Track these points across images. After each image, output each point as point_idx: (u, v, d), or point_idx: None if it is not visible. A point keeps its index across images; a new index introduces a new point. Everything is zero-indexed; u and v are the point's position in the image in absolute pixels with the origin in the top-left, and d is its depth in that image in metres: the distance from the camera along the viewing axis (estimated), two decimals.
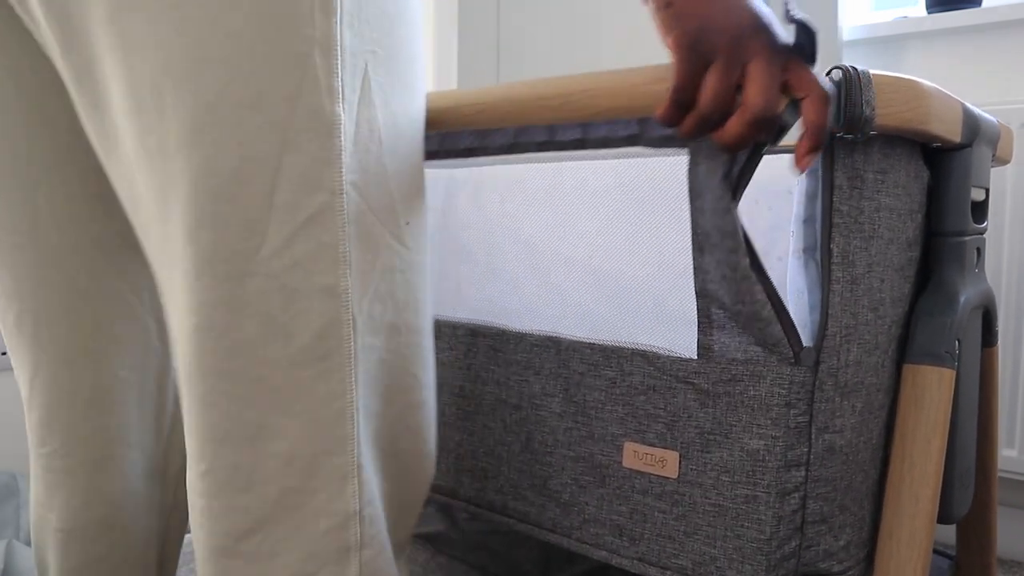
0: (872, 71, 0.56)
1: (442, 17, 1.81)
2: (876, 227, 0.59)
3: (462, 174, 0.81)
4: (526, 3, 1.72)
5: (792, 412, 0.56)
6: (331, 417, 0.51)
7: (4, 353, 1.30)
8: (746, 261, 0.55)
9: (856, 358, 0.59)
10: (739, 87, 0.50)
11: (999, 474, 0.88)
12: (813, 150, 0.50)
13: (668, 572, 0.63)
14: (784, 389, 0.57)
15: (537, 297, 0.73)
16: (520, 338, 0.72)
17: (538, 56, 1.69)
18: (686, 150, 0.57)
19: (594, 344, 0.67)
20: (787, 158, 1.07)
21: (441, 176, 0.82)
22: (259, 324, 0.49)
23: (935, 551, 0.85)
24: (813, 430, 0.56)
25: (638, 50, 1.54)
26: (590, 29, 1.63)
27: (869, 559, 0.62)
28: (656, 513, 0.63)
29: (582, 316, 0.69)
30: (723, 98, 0.50)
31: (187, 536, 1.53)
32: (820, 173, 0.58)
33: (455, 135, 0.70)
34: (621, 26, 1.59)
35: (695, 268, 0.59)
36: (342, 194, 0.50)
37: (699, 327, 0.60)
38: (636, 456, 0.63)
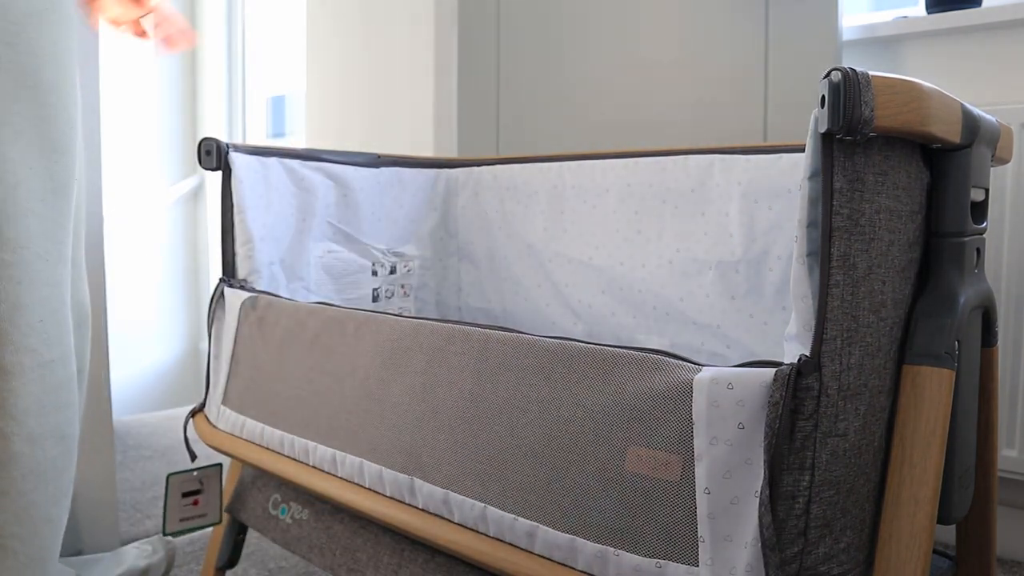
0: (871, 72, 0.56)
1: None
2: (877, 229, 0.59)
3: None
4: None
5: (797, 417, 0.56)
6: None
7: None
8: None
9: (858, 361, 0.58)
10: None
11: (999, 474, 0.88)
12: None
13: None
14: (789, 395, 0.56)
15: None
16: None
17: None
18: None
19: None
20: (787, 158, 1.07)
21: None
22: None
23: (935, 551, 0.85)
24: (818, 435, 0.56)
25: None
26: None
27: (869, 561, 0.62)
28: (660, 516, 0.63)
29: None
30: None
31: (188, 536, 1.53)
32: (822, 177, 0.58)
33: None
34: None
35: None
36: None
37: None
38: (640, 460, 0.63)
